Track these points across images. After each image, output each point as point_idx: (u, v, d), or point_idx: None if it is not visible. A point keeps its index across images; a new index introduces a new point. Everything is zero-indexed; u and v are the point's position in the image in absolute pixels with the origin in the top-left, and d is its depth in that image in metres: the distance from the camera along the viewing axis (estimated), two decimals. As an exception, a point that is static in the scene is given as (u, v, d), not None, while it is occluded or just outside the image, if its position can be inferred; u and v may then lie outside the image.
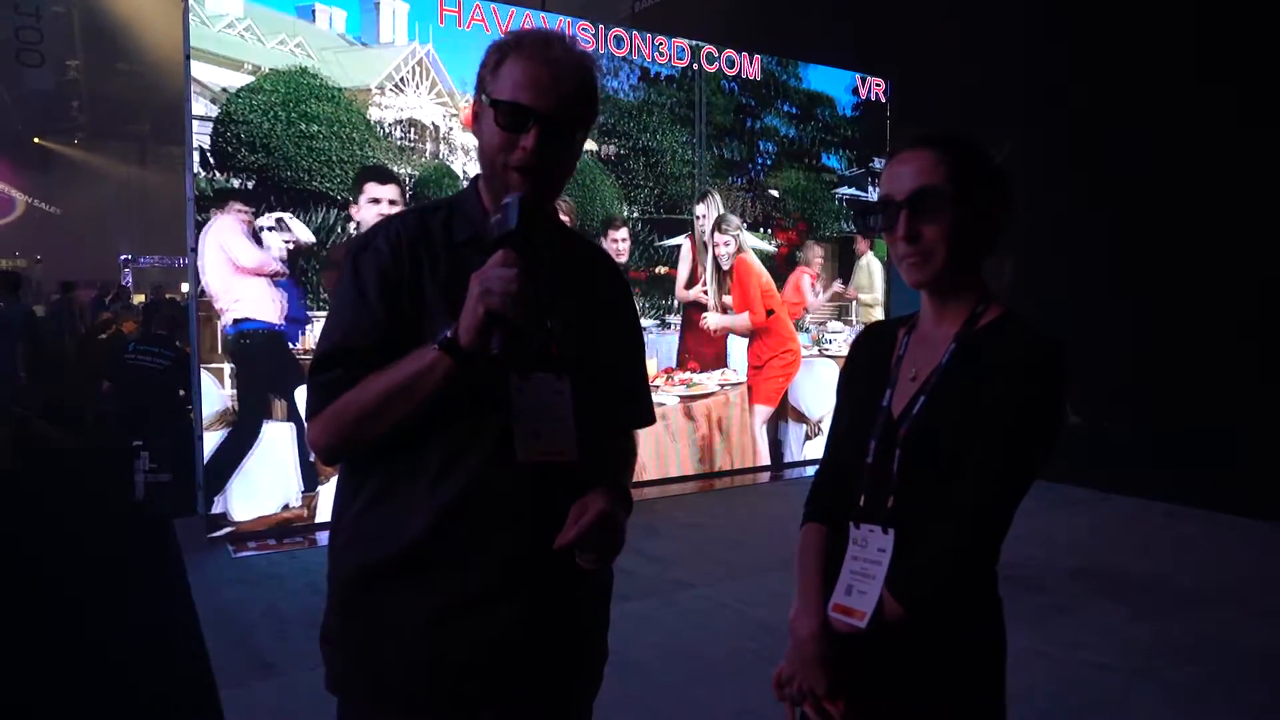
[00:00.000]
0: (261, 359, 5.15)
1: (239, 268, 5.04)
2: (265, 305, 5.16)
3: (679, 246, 6.73)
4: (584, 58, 1.33)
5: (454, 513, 1.28)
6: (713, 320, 6.86)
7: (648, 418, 1.55)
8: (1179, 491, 5.88)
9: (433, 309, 1.29)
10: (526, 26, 5.87)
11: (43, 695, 3.29)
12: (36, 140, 21.90)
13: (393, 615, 1.30)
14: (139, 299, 16.26)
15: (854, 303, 7.65)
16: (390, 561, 1.29)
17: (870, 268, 7.72)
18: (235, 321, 5.08)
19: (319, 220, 5.27)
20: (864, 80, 7.62)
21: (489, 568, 1.29)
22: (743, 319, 6.96)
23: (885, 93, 7.74)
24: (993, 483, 1.26)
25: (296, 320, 5.24)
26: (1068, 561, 4.64)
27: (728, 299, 6.91)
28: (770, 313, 7.06)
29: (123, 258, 21.38)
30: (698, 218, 6.77)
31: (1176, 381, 6.35)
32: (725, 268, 6.88)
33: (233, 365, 5.08)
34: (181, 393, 5.99)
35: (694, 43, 6.72)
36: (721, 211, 6.84)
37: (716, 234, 6.83)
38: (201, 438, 5.07)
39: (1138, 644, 3.63)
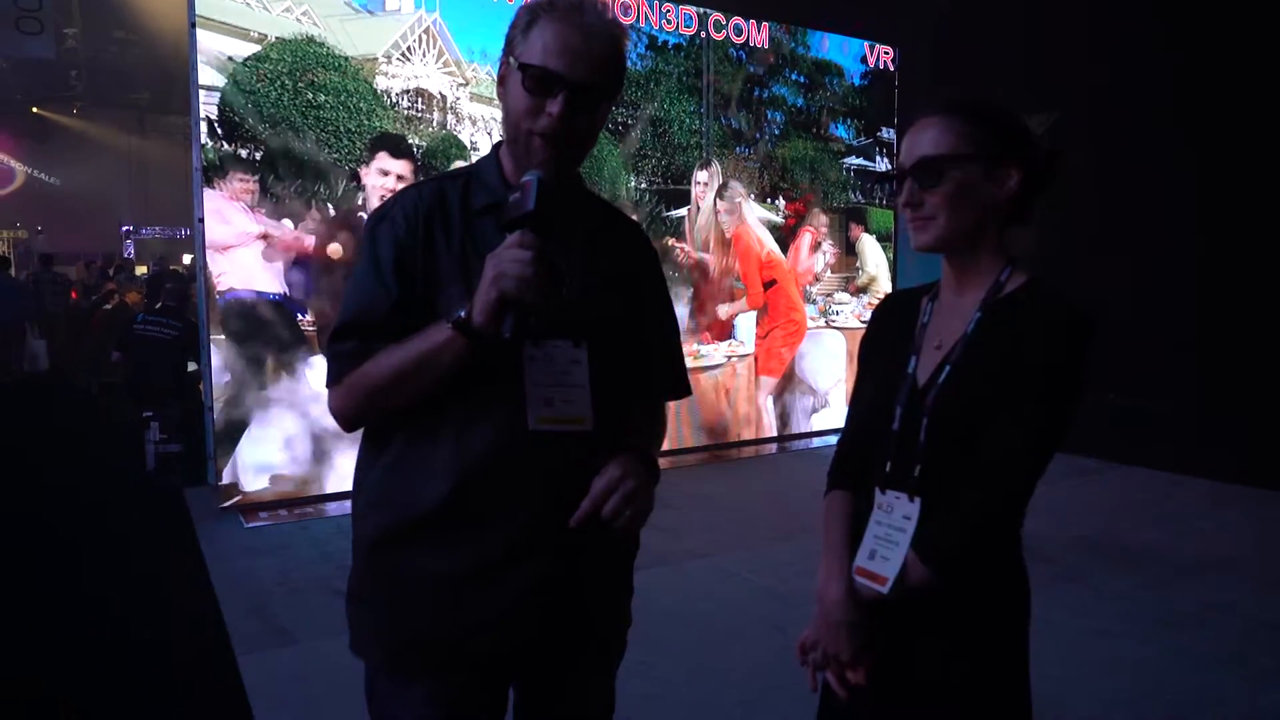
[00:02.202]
0: (252, 327, 5.13)
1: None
2: (255, 274, 5.14)
3: (684, 218, 6.72)
4: (615, 25, 1.31)
5: (469, 479, 1.28)
6: (723, 311, 6.87)
7: (681, 389, 1.54)
8: (1185, 461, 5.90)
9: (446, 279, 1.29)
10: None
11: (59, 666, 3.32)
12: (35, 110, 21.72)
13: (412, 576, 1.32)
14: (141, 270, 16.27)
15: (859, 275, 7.64)
16: (409, 524, 1.31)
17: (867, 249, 7.68)
18: (221, 293, 5.08)
19: (327, 193, 5.25)
20: (872, 49, 7.56)
21: (503, 534, 1.30)
22: (742, 303, 6.99)
23: (894, 61, 7.67)
24: (1019, 450, 1.28)
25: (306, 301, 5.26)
26: (1073, 531, 4.67)
27: (738, 266, 6.92)
28: (772, 283, 7.05)
29: (124, 228, 21.34)
30: (698, 184, 6.74)
31: (1183, 352, 6.35)
32: (728, 235, 6.87)
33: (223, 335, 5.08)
34: (192, 366, 6.00)
35: (701, 10, 6.65)
36: (722, 179, 6.82)
37: (719, 201, 6.81)
38: (211, 408, 5.09)
39: (1145, 612, 3.66)
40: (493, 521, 1.30)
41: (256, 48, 5.05)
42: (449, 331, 1.21)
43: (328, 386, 1.33)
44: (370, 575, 1.37)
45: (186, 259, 19.25)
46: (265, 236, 5.12)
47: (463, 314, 1.20)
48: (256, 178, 5.07)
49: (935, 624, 1.34)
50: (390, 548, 1.33)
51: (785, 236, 7.15)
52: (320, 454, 5.28)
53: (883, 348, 1.49)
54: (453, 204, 1.35)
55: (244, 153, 5.04)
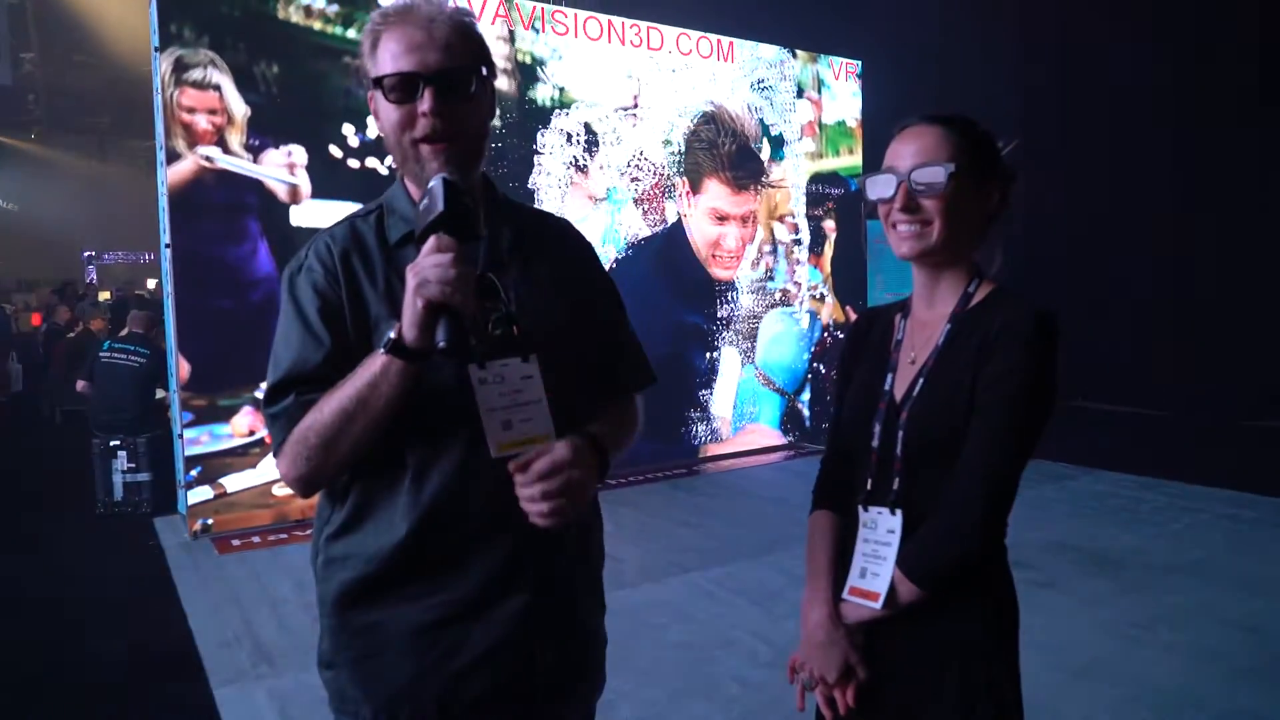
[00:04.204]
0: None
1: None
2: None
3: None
4: (455, 10, 1.27)
5: (434, 523, 1.23)
6: None
7: (647, 376, 1.49)
8: (1155, 465, 6.00)
9: (378, 319, 1.23)
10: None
11: (31, 700, 3.24)
12: (-10, 135, 21.42)
13: (383, 631, 1.27)
14: (104, 296, 16.02)
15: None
16: (376, 577, 1.26)
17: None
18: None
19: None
20: (838, 63, 7.64)
21: (481, 572, 1.26)
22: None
23: (858, 74, 7.76)
24: (993, 455, 1.28)
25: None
26: (1048, 536, 4.72)
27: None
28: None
29: (86, 254, 21.01)
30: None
31: (1153, 357, 6.46)
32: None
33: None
34: (160, 393, 5.91)
35: (670, 28, 6.68)
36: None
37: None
38: (181, 436, 5.02)
39: (1123, 615, 3.70)
40: (468, 560, 1.26)
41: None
42: (383, 357, 1.14)
43: (274, 453, 1.25)
44: (344, 637, 1.30)
45: (150, 284, 18.98)
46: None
47: (392, 334, 1.14)
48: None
49: (925, 641, 1.34)
50: (360, 605, 1.28)
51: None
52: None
53: (860, 367, 1.50)
54: (369, 241, 1.29)
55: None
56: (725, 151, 6.95)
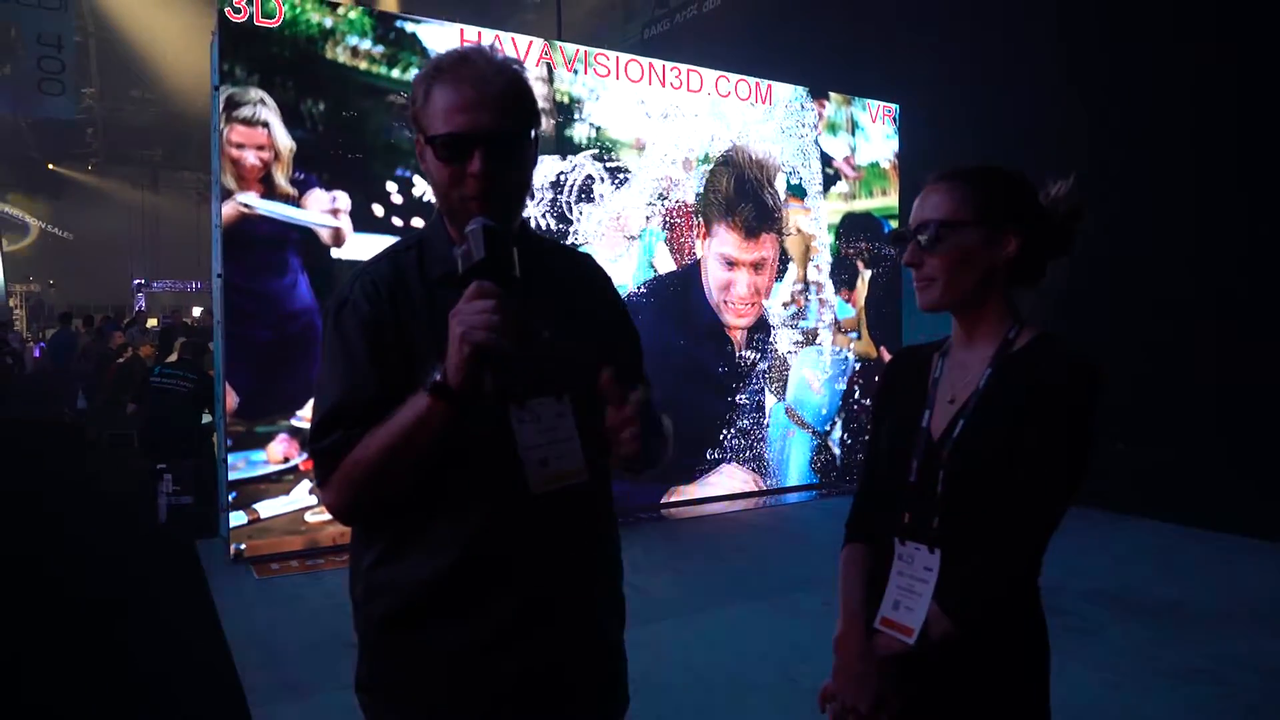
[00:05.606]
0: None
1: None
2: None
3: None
4: (506, 64, 1.27)
5: (474, 551, 1.27)
6: None
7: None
8: (1194, 513, 5.89)
9: (422, 354, 1.23)
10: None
11: (74, 718, 3.32)
12: (50, 166, 22.20)
13: (423, 657, 1.30)
14: (152, 322, 16.42)
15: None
16: (417, 604, 1.29)
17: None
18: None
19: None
20: (875, 106, 7.71)
21: (512, 603, 1.29)
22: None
23: (895, 118, 7.82)
24: (1037, 502, 1.31)
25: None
26: (1087, 583, 4.65)
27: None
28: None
29: (136, 282, 21.60)
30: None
31: (1191, 402, 6.36)
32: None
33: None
34: (206, 418, 6.06)
35: (709, 70, 6.80)
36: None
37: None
38: (225, 461, 5.13)
39: (1162, 666, 3.64)
40: (505, 590, 1.29)
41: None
42: (428, 399, 1.16)
43: (319, 485, 1.28)
44: (383, 662, 1.33)
45: (196, 311, 19.46)
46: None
47: (438, 376, 1.15)
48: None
49: (957, 678, 1.35)
50: (400, 632, 1.31)
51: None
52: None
53: (896, 402, 1.53)
54: (410, 277, 1.31)
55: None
56: (739, 196, 6.88)
